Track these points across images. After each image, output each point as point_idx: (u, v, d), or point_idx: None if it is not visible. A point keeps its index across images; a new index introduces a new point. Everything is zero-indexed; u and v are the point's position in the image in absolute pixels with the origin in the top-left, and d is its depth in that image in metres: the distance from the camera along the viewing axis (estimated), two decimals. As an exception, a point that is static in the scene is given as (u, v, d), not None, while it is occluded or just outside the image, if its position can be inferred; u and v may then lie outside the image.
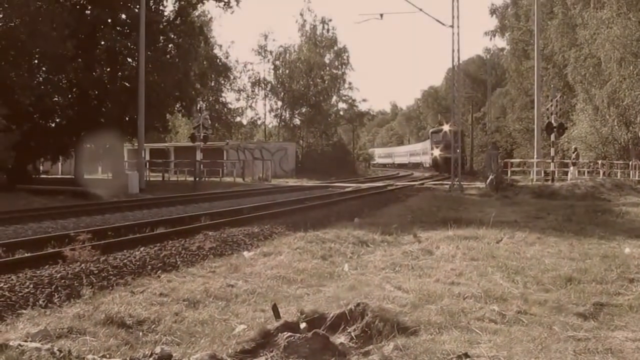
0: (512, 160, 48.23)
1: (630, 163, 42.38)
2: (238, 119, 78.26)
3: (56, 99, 40.61)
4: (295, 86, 73.88)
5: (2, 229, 15.53)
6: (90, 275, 9.39)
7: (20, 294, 8.16)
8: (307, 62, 73.37)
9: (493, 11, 72.42)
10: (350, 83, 78.25)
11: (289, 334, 5.83)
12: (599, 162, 43.48)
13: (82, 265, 9.97)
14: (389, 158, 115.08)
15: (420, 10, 36.16)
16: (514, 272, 9.18)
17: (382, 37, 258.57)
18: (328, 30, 75.90)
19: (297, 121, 76.19)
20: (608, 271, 9.20)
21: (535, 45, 44.74)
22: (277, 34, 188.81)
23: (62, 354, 5.11)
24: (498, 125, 78.25)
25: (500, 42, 78.75)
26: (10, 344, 5.26)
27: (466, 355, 5.38)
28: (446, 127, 58.75)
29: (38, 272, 9.41)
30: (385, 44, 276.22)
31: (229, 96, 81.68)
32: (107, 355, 5.36)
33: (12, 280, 8.81)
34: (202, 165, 46.85)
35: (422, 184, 40.82)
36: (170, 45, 44.59)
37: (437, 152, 67.24)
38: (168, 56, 43.81)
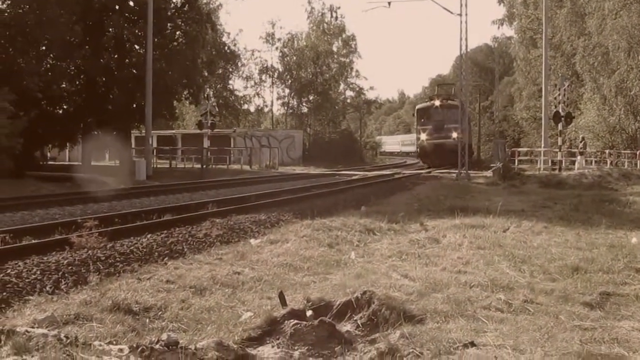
0: (520, 150, 48.13)
1: (638, 153, 42.33)
2: (245, 106, 78.15)
3: (64, 85, 40.64)
4: (303, 74, 73.77)
5: (9, 215, 15.58)
6: (97, 261, 9.42)
7: (27, 281, 8.19)
8: (315, 50, 73.24)
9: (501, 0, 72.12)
10: (357, 71, 78.10)
11: (296, 321, 5.84)
12: (607, 151, 43.42)
13: (89, 251, 10.00)
14: (397, 145, 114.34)
15: (428, -3, 35.96)
16: (520, 261, 9.16)
17: (389, 25, 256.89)
18: (336, 18, 75.74)
19: (304, 109, 76.12)
20: (615, 261, 9.17)
21: (544, 34, 44.46)
22: (285, 22, 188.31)
23: (68, 340, 5.11)
24: (505, 114, 77.94)
25: (508, 31, 78.37)
26: (18, 330, 5.26)
27: (472, 343, 5.38)
28: (437, 102, 49.67)
29: (45, 258, 9.44)
30: (393, 32, 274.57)
31: (236, 83, 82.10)
32: (114, 342, 5.36)
33: (19, 266, 8.84)
34: (209, 153, 47.01)
35: (429, 172, 40.65)
36: (177, 33, 44.57)
37: (423, 137, 50.56)
38: (176, 43, 43.82)
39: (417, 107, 57.21)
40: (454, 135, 41.96)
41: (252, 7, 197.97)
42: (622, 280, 8.08)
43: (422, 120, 51.78)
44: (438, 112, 49.07)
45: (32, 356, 4.58)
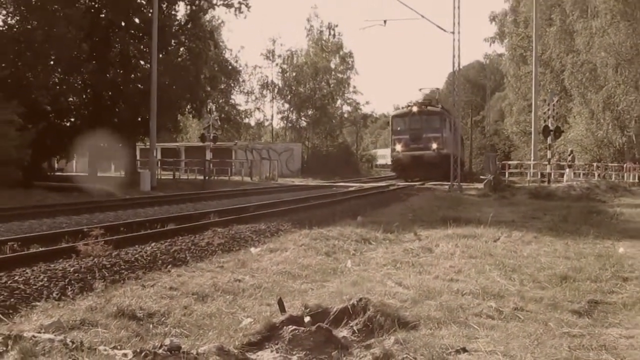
0: (510, 162, 48.15)
1: (625, 166, 42.48)
2: (246, 120, 78.63)
3: (71, 99, 40.93)
4: (302, 89, 74.16)
5: (17, 224, 15.57)
6: (102, 269, 9.39)
7: (34, 287, 8.16)
8: (314, 66, 73.69)
9: (493, 18, 72.64)
10: (354, 87, 78.56)
11: (294, 327, 5.83)
12: (594, 164, 43.50)
13: (95, 259, 9.97)
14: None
15: (423, 17, 36.02)
16: (510, 270, 9.16)
17: (385, 41, 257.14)
18: (334, 36, 76.29)
19: (303, 123, 76.51)
20: (602, 270, 9.18)
21: (534, 51, 44.66)
22: (285, 39, 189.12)
23: (74, 345, 5.10)
24: (496, 129, 78.25)
25: (499, 48, 78.84)
26: (25, 335, 5.25)
27: (464, 349, 5.38)
28: (415, 108, 43.19)
29: (52, 265, 9.41)
30: (389, 49, 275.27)
31: (237, 98, 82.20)
32: (119, 347, 5.36)
33: (26, 273, 8.81)
34: (211, 165, 47.04)
35: (423, 184, 40.57)
36: (181, 49, 44.66)
37: (399, 148, 43.66)
38: (180, 59, 43.86)
39: (393, 114, 49.03)
40: (434, 146, 39.45)
41: (253, 25, 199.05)
42: (609, 288, 8.08)
43: (398, 129, 44.29)
44: (416, 120, 42.85)
45: (39, 360, 4.56)
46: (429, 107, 44.44)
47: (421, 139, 41.15)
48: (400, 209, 20.51)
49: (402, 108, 49.78)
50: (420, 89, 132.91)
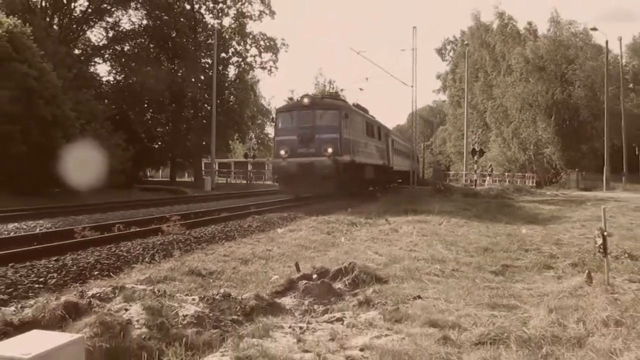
0: (449, 172, 48.23)
1: (526, 175, 42.59)
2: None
3: (159, 129, 41.33)
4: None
5: (122, 212, 15.62)
6: (179, 242, 9.40)
7: (133, 254, 8.19)
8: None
9: (438, 76, 73.22)
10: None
11: (306, 281, 5.84)
12: (506, 174, 43.58)
13: (174, 236, 9.99)
14: None
15: (392, 75, 35.45)
16: (450, 244, 9.12)
17: (367, 91, 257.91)
18: (333, 88, 76.26)
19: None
20: (511, 244, 9.14)
21: (465, 98, 44.68)
22: (300, 89, 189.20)
23: (159, 293, 5.12)
24: (441, 150, 77.96)
25: (443, 97, 78.65)
26: (126, 285, 5.28)
27: (419, 297, 5.37)
28: (306, 100, 20.93)
29: (145, 240, 9.43)
30: (369, 96, 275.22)
31: (269, 129, 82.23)
32: (189, 294, 5.37)
33: (128, 245, 8.84)
34: (251, 173, 47.10)
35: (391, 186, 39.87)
36: (232, 97, 44.85)
37: (282, 153, 20.39)
38: (230, 104, 44.08)
39: (278, 108, 24.26)
40: (330, 150, 19.48)
41: (281, 81, 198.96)
42: (516, 257, 8.05)
43: (282, 131, 21.38)
44: (307, 117, 20.42)
45: (136, 303, 4.58)
46: (325, 99, 23.55)
47: (313, 142, 19.99)
48: (376, 204, 20.29)
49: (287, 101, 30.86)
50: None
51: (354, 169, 21.20)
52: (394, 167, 31.90)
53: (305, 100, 20.90)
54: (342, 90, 75.73)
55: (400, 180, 36.83)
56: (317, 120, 20.36)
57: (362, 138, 23.27)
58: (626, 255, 7.49)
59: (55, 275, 6.62)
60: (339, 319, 4.66)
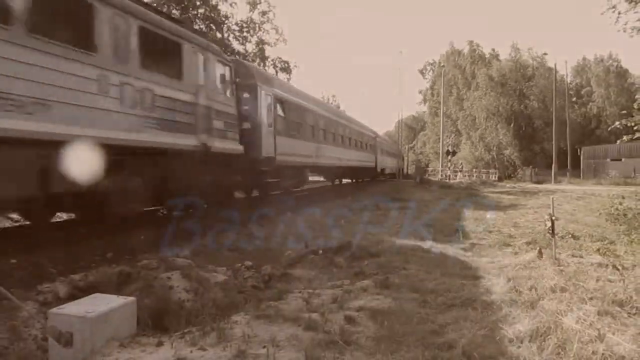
0: (428, 169, 48.10)
1: (490, 171, 42.66)
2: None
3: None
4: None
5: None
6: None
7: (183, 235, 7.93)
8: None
9: (420, 91, 73.08)
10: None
11: (313, 255, 5.85)
12: (474, 170, 43.48)
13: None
14: None
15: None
16: (428, 225, 9.09)
17: (363, 102, 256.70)
18: (335, 101, 75.95)
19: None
20: (478, 226, 9.10)
21: (441, 109, 44.36)
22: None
23: (195, 264, 5.09)
24: (422, 150, 77.62)
25: (424, 108, 78.29)
26: (168, 259, 5.25)
27: (404, 268, 5.36)
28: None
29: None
30: (362, 107, 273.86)
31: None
32: (219, 266, 5.36)
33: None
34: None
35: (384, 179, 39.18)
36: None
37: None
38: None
39: None
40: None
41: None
42: (481, 237, 8.00)
43: None
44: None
45: (177, 272, 4.59)
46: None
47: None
48: (367, 194, 20.12)
49: None
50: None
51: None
52: (381, 165, 30.94)
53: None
54: (338, 100, 75.41)
55: (388, 175, 35.68)
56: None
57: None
58: (570, 235, 7.50)
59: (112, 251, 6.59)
60: (339, 286, 4.66)
